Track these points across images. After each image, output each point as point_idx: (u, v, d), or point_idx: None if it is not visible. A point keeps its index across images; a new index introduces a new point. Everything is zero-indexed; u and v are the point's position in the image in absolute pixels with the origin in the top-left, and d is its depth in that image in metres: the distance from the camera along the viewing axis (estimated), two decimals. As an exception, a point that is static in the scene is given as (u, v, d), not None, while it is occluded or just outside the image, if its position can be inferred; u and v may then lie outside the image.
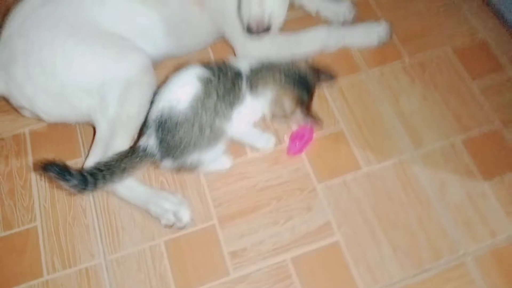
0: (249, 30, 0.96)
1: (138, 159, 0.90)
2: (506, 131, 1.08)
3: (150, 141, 0.90)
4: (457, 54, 1.18)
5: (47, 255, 0.96)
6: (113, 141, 0.97)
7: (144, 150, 0.90)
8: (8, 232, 0.99)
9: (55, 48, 0.94)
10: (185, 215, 0.98)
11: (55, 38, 0.94)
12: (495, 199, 1.00)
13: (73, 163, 1.04)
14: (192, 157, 0.94)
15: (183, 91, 0.90)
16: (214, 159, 1.00)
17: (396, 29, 1.22)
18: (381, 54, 1.19)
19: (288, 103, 0.94)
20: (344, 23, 1.24)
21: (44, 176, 1.04)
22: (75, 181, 0.83)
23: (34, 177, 1.05)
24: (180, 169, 0.95)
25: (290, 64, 0.97)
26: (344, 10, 1.24)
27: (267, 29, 0.96)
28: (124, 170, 0.89)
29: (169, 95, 0.91)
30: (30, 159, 1.07)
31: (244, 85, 0.93)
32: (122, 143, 0.97)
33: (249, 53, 1.12)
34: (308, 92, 0.96)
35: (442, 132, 1.09)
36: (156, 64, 1.09)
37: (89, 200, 1.02)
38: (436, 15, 1.26)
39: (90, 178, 0.85)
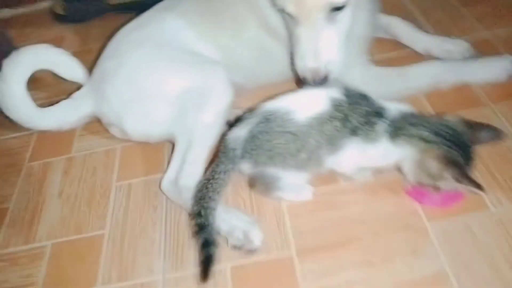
0: (305, 81, 0.90)
1: (228, 154, 0.82)
2: None
3: (241, 132, 0.82)
4: None
5: (106, 264, 0.87)
6: (189, 152, 0.92)
7: (233, 142, 0.82)
8: (74, 237, 0.93)
9: (139, 63, 0.97)
10: (257, 237, 0.82)
11: (140, 54, 0.98)
12: None
13: (156, 178, 0.99)
14: (272, 170, 0.82)
15: (308, 104, 0.82)
16: (292, 184, 0.87)
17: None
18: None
19: (435, 165, 0.76)
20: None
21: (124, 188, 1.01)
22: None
23: (114, 188, 1.02)
24: (254, 179, 0.84)
25: (439, 118, 0.82)
26: (460, 49, 1.11)
27: (324, 80, 0.89)
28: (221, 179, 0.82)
29: (292, 101, 0.83)
30: (116, 171, 1.06)
31: (381, 128, 0.79)
32: (198, 154, 0.92)
33: None
34: (463, 152, 0.77)
35: None
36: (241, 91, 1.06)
37: (161, 214, 0.94)
38: None
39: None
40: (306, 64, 0.88)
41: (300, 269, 0.79)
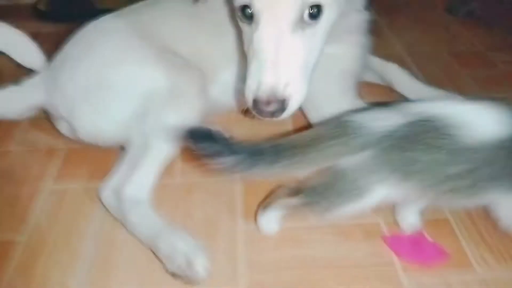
0: (255, 105, 0.68)
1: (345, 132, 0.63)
2: None
3: (378, 125, 0.63)
4: None
5: (12, 275, 0.70)
6: (143, 157, 0.79)
7: (360, 127, 0.63)
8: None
9: (110, 51, 0.87)
10: (201, 265, 0.67)
11: (113, 42, 0.88)
12: None
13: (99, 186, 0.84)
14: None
15: (486, 119, 0.63)
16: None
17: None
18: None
19: None
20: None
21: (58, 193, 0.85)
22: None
23: (47, 192, 0.86)
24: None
25: None
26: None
27: (281, 108, 0.67)
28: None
29: (465, 111, 0.64)
30: (54, 174, 0.91)
31: None
32: (152, 162, 0.79)
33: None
34: None
35: None
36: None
37: (95, 227, 0.79)
38: None
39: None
40: (262, 80, 0.66)
41: (248, 313, 0.65)
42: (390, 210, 0.79)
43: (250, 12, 0.69)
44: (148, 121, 0.81)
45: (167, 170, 0.86)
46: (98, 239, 0.76)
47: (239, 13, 0.71)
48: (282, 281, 0.68)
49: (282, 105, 0.67)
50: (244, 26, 0.73)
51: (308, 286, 0.68)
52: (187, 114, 0.82)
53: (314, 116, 0.95)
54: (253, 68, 0.68)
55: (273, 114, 0.67)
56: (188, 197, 0.84)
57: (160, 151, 0.80)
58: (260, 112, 0.68)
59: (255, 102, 0.67)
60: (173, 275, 0.68)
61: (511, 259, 0.71)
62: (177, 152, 0.83)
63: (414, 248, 0.72)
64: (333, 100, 0.92)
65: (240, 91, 0.79)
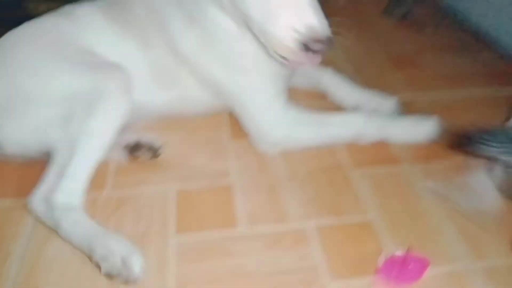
0: (303, 49, 0.72)
1: None
2: None
3: None
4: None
5: None
6: (70, 163, 0.78)
7: None
8: None
9: (27, 58, 0.85)
10: (137, 265, 0.69)
11: (29, 49, 0.86)
12: None
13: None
14: None
15: None
16: None
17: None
18: (428, 152, 0.98)
19: None
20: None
21: None
22: None
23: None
24: None
25: None
26: (389, 106, 1.08)
27: (328, 44, 0.72)
28: None
29: None
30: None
31: None
32: (80, 167, 0.78)
33: (268, 136, 0.95)
34: None
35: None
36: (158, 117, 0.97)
37: (22, 244, 0.77)
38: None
39: None
40: (305, 21, 0.70)
41: (175, 326, 0.66)
42: (317, 213, 0.82)
43: None
44: (72, 125, 0.80)
45: (98, 184, 0.86)
46: (26, 257, 0.75)
47: None
48: (210, 293, 0.70)
49: (328, 42, 0.71)
50: None
51: (234, 295, 0.69)
52: (111, 116, 0.82)
53: (250, 124, 0.96)
54: (286, 14, 0.71)
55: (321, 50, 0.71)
56: (119, 211, 0.83)
57: (88, 155, 0.79)
58: (308, 50, 0.71)
59: (305, 44, 0.71)
60: (109, 276, 0.69)
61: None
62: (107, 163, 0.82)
63: (402, 269, 0.72)
64: (265, 106, 0.94)
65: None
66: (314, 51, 0.72)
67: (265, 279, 0.72)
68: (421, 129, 0.99)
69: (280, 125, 0.95)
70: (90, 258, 0.72)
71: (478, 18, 1.43)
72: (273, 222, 0.81)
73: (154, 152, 0.93)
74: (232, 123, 1.03)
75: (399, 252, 0.74)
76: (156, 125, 1.00)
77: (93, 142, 0.79)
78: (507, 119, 0.95)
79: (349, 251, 0.77)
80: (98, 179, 0.85)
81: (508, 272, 0.74)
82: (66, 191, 0.77)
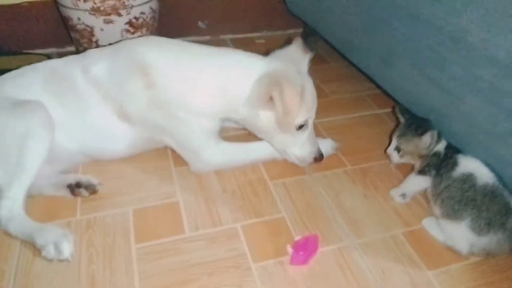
0: (315, 160, 1.22)
1: None
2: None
3: None
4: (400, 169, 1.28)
5: None
6: (7, 191, 1.01)
7: None
8: None
9: None
10: (66, 248, 0.96)
11: None
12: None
13: None
14: None
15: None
16: None
17: (341, 147, 1.35)
18: (325, 164, 1.29)
19: None
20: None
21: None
22: None
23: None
24: None
25: None
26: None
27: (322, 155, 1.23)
28: None
29: None
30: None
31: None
32: (15, 194, 1.01)
33: (203, 165, 1.22)
34: None
35: (383, 225, 1.10)
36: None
37: (12, 263, 0.97)
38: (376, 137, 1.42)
39: None
40: (315, 151, 1.21)
41: (143, 308, 0.89)
42: (245, 215, 1.10)
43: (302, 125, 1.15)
44: (9, 159, 1.02)
45: (70, 211, 1.08)
46: (18, 276, 0.95)
47: (292, 129, 1.14)
48: (168, 282, 0.94)
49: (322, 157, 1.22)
50: (292, 131, 1.15)
51: (185, 282, 0.94)
52: (37, 145, 1.04)
53: (195, 165, 1.23)
54: (306, 144, 1.20)
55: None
56: (90, 230, 1.06)
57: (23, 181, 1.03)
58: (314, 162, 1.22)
59: (316, 159, 1.21)
60: (47, 259, 0.96)
61: (323, 242, 1.05)
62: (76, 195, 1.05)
63: (304, 249, 0.99)
64: (203, 145, 1.19)
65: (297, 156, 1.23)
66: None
67: (207, 266, 0.98)
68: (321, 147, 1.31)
69: (215, 157, 1.22)
70: (35, 247, 0.98)
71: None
72: (211, 226, 1.08)
73: (92, 189, 1.15)
74: (173, 155, 1.28)
75: (302, 237, 1.03)
76: (111, 161, 1.24)
77: (22, 176, 1.02)
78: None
79: (268, 240, 1.05)
80: (69, 207, 1.09)
81: (382, 243, 1.05)
82: (7, 207, 1.00)
